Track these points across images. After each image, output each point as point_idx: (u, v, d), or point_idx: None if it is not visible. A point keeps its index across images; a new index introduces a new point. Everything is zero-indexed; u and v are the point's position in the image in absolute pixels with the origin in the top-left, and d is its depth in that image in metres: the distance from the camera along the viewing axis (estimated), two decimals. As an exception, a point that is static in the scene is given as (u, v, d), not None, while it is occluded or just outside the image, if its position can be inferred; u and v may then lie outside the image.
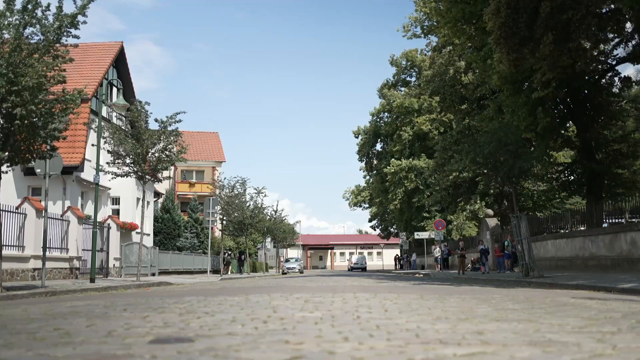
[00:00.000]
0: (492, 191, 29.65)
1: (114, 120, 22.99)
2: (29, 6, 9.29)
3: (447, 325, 3.54)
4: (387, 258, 78.10)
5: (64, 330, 3.45)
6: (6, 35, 9.45)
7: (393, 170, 43.64)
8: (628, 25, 17.29)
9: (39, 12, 9.42)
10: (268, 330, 3.29)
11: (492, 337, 2.96)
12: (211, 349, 2.55)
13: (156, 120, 16.66)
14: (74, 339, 3.01)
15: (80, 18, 9.72)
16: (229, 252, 37.11)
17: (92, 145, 16.10)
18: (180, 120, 16.66)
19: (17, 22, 9.30)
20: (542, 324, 3.62)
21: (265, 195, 36.36)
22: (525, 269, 14.95)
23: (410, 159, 43.91)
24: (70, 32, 9.66)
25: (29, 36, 9.52)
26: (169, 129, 16.63)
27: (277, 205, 40.62)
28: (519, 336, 3.00)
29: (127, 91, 24.40)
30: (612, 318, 4.17)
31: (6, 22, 9.35)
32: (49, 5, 9.60)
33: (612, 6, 15.38)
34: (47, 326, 3.71)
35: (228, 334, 3.13)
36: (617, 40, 18.89)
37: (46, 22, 9.48)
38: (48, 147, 10.22)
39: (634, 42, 18.24)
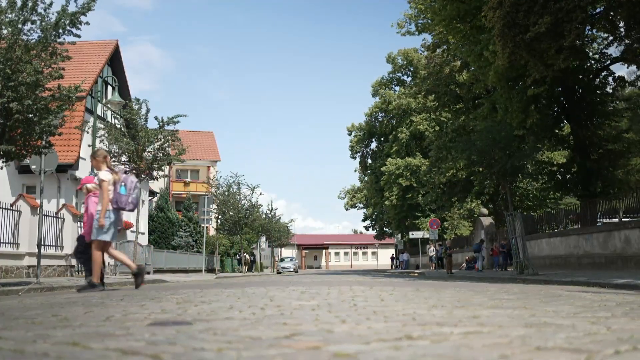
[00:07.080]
0: (491, 190, 29.75)
1: (109, 118, 22.94)
2: (29, 2, 9.24)
3: (443, 311, 3.57)
4: (382, 258, 78.26)
5: (62, 316, 3.46)
6: (4, 32, 9.41)
7: (389, 170, 43.73)
8: (622, 24, 17.40)
9: (40, 9, 9.36)
10: (265, 315, 3.32)
11: (487, 320, 3.00)
12: (210, 329, 2.57)
13: (156, 118, 16.72)
14: (72, 323, 3.03)
15: (82, 18, 9.65)
16: (244, 254, 37.36)
17: (89, 145, 16.08)
18: (178, 121, 16.74)
19: (16, 17, 9.26)
20: (536, 311, 3.65)
21: (260, 194, 36.48)
22: (519, 266, 15.04)
23: (406, 158, 44.04)
24: (72, 32, 9.61)
25: (28, 32, 9.48)
26: (166, 128, 16.66)
27: (271, 204, 40.70)
28: (514, 320, 3.03)
29: (123, 89, 24.32)
30: (606, 306, 4.22)
31: (7, 19, 9.31)
32: (51, 3, 9.54)
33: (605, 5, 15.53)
34: (45, 313, 3.72)
35: (226, 318, 3.16)
36: (610, 39, 19.01)
37: (47, 19, 9.41)
38: (44, 142, 10.20)
39: (627, 41, 18.36)
